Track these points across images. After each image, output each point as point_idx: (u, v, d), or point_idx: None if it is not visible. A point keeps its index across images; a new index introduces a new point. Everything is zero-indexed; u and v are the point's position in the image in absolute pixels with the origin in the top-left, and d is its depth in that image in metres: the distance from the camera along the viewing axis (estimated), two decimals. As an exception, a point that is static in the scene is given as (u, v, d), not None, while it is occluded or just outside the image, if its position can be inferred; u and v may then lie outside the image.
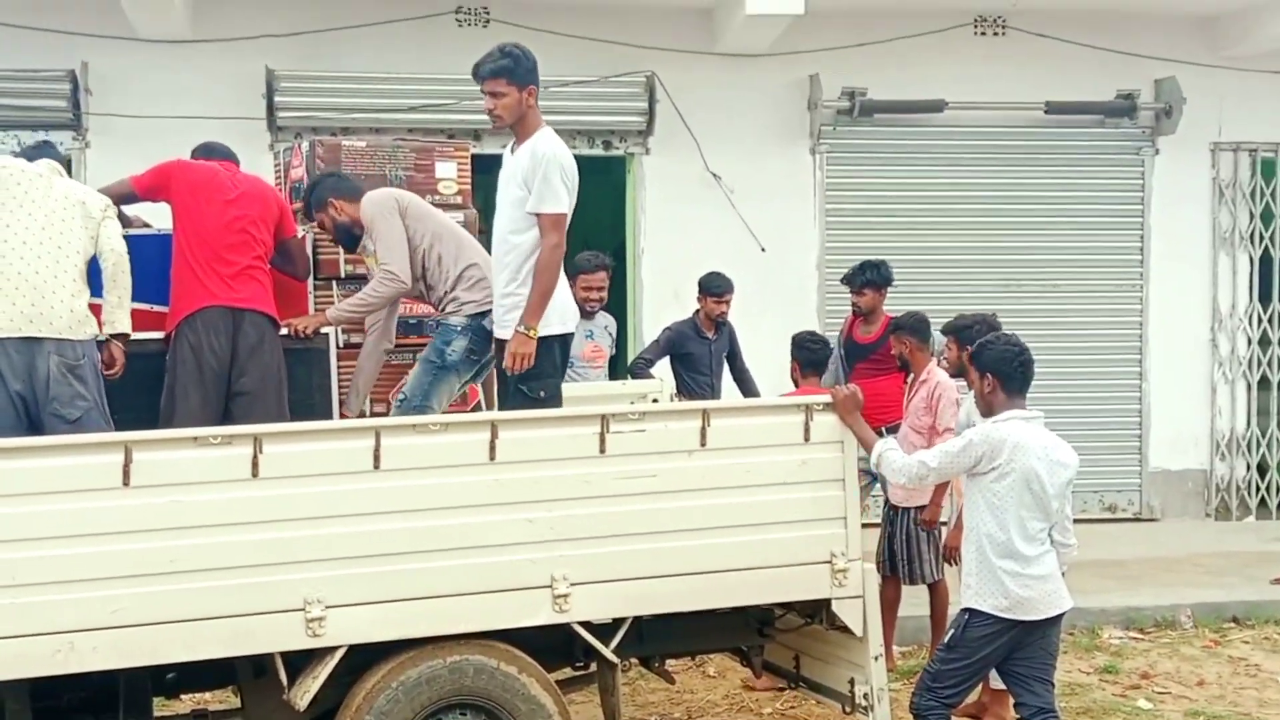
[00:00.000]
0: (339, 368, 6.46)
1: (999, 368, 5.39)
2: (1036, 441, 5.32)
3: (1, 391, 5.41)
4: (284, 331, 6.19)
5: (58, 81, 9.66)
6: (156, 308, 6.09)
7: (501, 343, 5.97)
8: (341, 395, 6.46)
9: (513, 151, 5.97)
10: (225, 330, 5.92)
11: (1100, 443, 11.35)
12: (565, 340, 5.99)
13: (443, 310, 6.42)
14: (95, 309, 5.70)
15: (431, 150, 6.88)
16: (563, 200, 5.82)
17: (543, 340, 5.85)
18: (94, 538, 4.64)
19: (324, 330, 6.35)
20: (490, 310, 6.23)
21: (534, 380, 5.88)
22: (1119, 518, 11.45)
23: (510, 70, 5.78)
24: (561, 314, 5.97)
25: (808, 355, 7.36)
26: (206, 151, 6.56)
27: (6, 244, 5.49)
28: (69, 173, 8.07)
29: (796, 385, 7.42)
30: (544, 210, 5.80)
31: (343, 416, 6.37)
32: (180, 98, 9.67)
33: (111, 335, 5.75)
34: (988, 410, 5.46)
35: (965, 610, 5.38)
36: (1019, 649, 5.33)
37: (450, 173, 6.87)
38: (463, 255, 6.42)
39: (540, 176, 5.78)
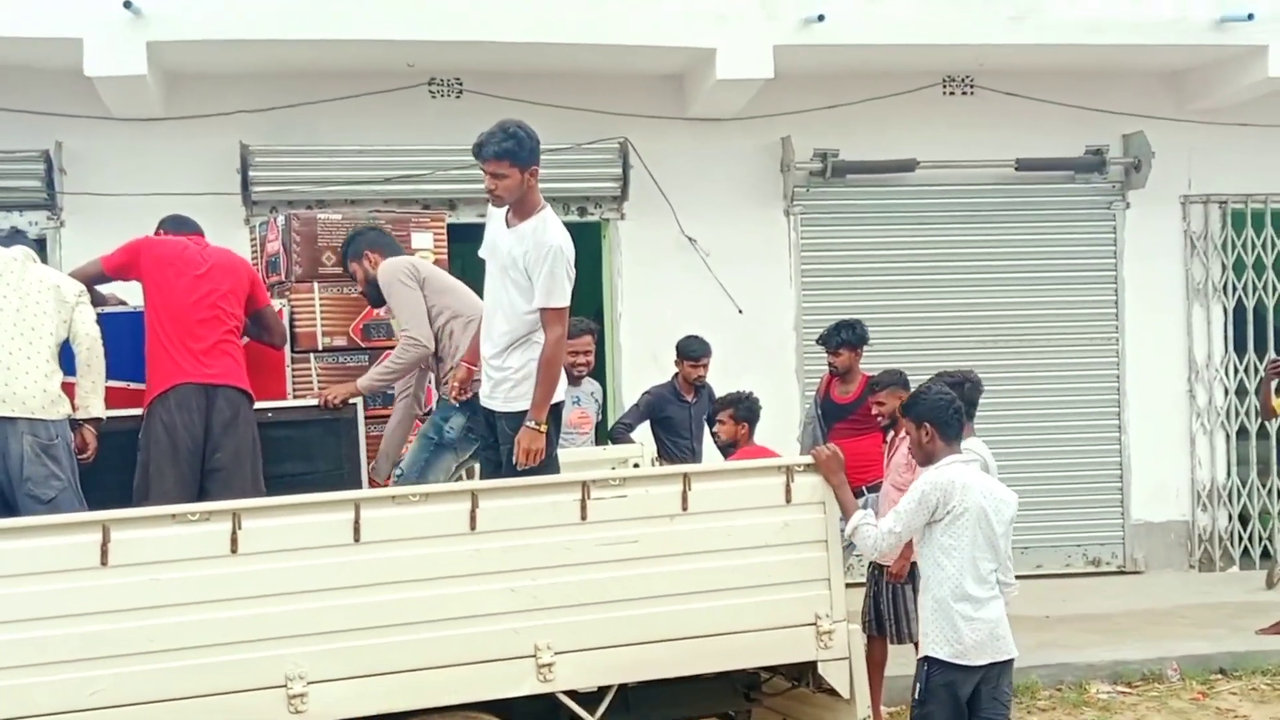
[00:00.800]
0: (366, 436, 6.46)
1: (935, 416, 5.47)
2: (978, 481, 5.44)
3: None
4: (258, 404, 6.16)
5: (32, 162, 9.66)
6: (133, 385, 6.07)
7: (490, 412, 5.94)
8: (370, 464, 6.45)
9: (508, 225, 5.86)
10: (199, 407, 5.88)
11: (1082, 496, 11.38)
12: (557, 409, 5.95)
13: (444, 384, 6.39)
14: (69, 388, 5.68)
15: (408, 221, 6.91)
16: (567, 293, 5.77)
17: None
18: (72, 618, 4.60)
19: (352, 400, 6.33)
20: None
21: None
22: (1103, 571, 11.43)
23: (513, 153, 5.69)
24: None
25: (746, 412, 7.38)
26: (175, 224, 6.53)
27: None
28: (44, 251, 8.12)
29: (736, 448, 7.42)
30: (550, 305, 5.72)
31: (371, 483, 6.35)
32: (155, 175, 9.68)
33: (84, 420, 5.74)
34: (927, 459, 5.53)
35: (923, 660, 5.42)
36: (974, 698, 5.37)
37: (427, 243, 6.89)
38: (471, 332, 6.36)
39: (546, 271, 5.68)
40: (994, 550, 5.40)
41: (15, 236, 6.35)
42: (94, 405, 5.75)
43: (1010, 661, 5.47)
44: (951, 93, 11.22)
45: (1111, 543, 11.51)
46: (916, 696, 5.45)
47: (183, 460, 5.86)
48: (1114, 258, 11.50)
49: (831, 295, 10.84)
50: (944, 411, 5.48)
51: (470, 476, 6.62)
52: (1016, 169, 11.22)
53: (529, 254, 5.70)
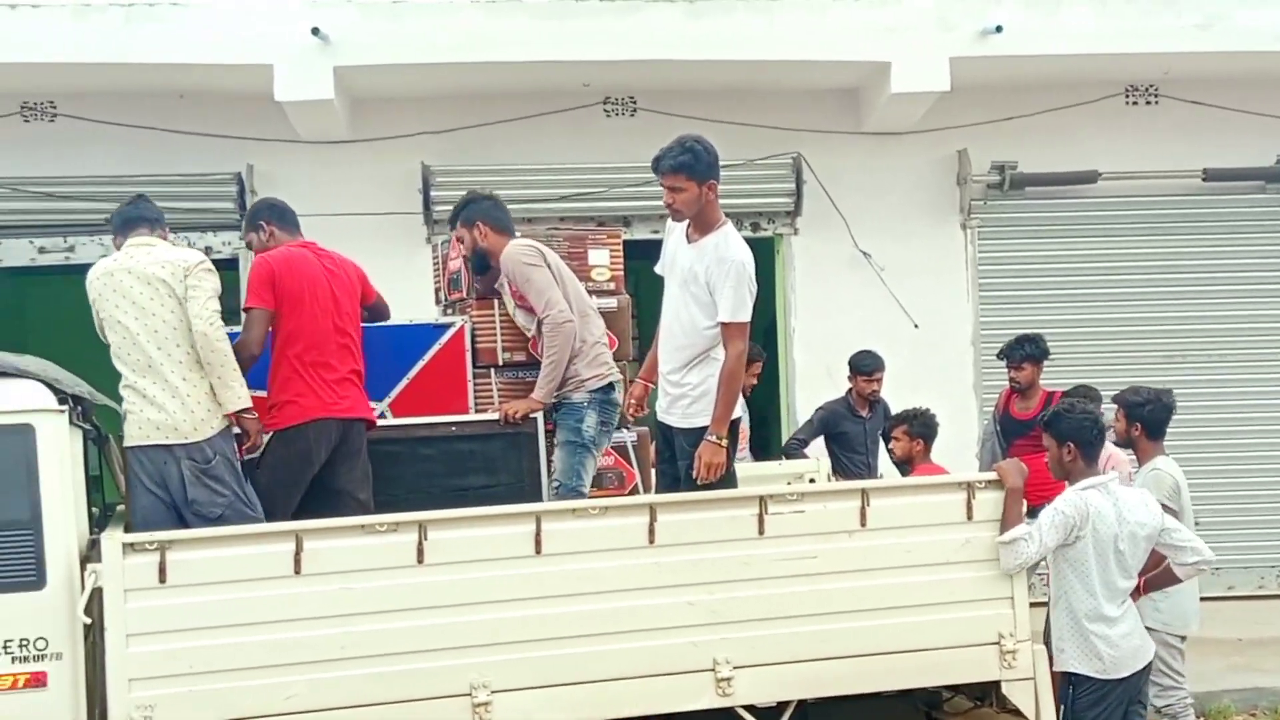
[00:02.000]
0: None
1: (1078, 435, 5.51)
2: (1112, 507, 5.46)
3: (147, 495, 5.42)
4: (494, 417, 6.28)
5: (225, 184, 10.02)
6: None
7: (666, 427, 5.99)
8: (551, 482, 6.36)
9: (689, 240, 5.90)
10: (330, 442, 5.86)
11: (1276, 515, 10.96)
12: (736, 425, 5.93)
13: (562, 389, 6.30)
14: (259, 401, 5.75)
15: (584, 238, 6.97)
16: (749, 308, 5.78)
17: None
18: (269, 625, 4.76)
19: (532, 415, 6.37)
20: (612, 383, 6.29)
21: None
22: (1299, 593, 11.00)
23: (690, 166, 5.70)
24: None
25: (922, 429, 7.33)
26: (279, 216, 6.37)
27: (121, 349, 5.49)
28: (236, 270, 8.30)
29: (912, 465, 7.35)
30: (734, 320, 5.73)
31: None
32: (340, 195, 9.96)
33: (234, 412, 5.63)
34: (1066, 477, 5.57)
35: (1065, 679, 5.46)
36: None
37: (603, 259, 6.95)
38: (587, 329, 6.37)
39: (730, 285, 5.70)
40: (1127, 570, 5.47)
41: (138, 204, 6.07)
42: (229, 400, 5.55)
43: (1149, 665, 5.55)
44: (1135, 102, 10.94)
45: (1307, 563, 11.07)
46: (1066, 713, 5.45)
47: (303, 488, 5.85)
48: (1307, 270, 11.09)
49: (1010, 309, 10.66)
50: (1087, 432, 5.53)
51: (646, 489, 6.65)
52: (1204, 179, 10.89)
53: (710, 269, 5.72)
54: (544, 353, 6.24)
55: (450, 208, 9.93)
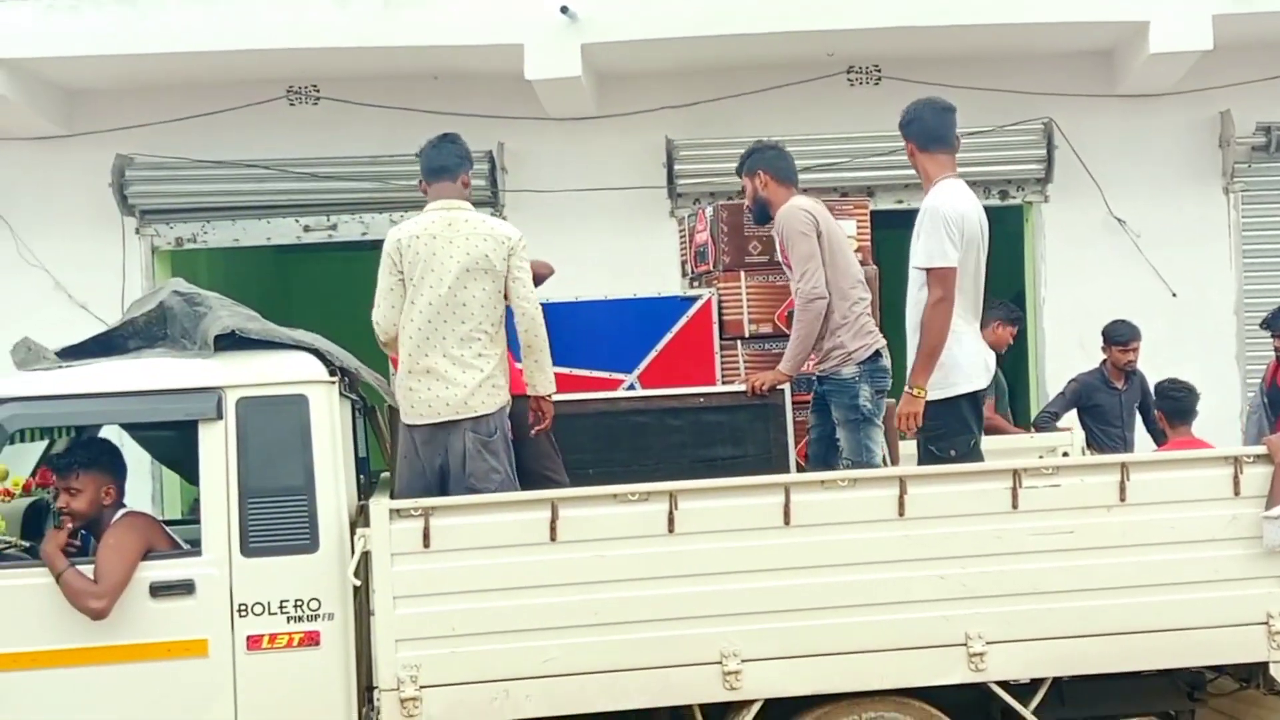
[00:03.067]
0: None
1: None
2: None
3: (420, 467, 5.51)
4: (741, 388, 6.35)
5: (478, 161, 10.27)
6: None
7: None
8: (798, 451, 6.45)
9: None
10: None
11: None
12: (975, 397, 5.86)
13: (830, 364, 6.21)
14: (516, 372, 5.91)
15: (831, 209, 6.92)
16: (939, 254, 5.70)
17: (948, 400, 5.78)
18: (525, 590, 4.91)
19: (779, 387, 6.38)
20: (879, 350, 6.19)
21: (940, 440, 5.81)
22: None
23: (904, 126, 6.04)
24: (968, 372, 5.84)
25: (1172, 405, 6.97)
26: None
27: (413, 323, 5.50)
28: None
29: (1165, 437, 7.07)
30: (919, 264, 5.77)
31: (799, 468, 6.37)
32: (587, 171, 10.14)
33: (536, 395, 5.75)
34: None
35: None
36: None
37: (850, 230, 6.88)
38: (853, 296, 6.25)
39: (923, 230, 5.77)
40: None
41: (442, 148, 5.89)
42: (541, 384, 5.64)
43: None
44: None
45: None
46: None
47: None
48: None
49: (1277, 277, 10.18)
50: None
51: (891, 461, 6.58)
52: None
53: (917, 221, 5.85)
54: (793, 325, 6.23)
55: (694, 180, 10.12)
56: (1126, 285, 10.06)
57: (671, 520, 5.01)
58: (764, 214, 6.49)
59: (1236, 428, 9.65)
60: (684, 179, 10.14)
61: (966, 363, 5.85)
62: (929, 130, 5.99)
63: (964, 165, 9.81)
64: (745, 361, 6.69)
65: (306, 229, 10.33)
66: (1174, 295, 10.10)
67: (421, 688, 4.83)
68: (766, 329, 6.75)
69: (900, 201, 10.25)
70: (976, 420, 5.93)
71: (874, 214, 7.48)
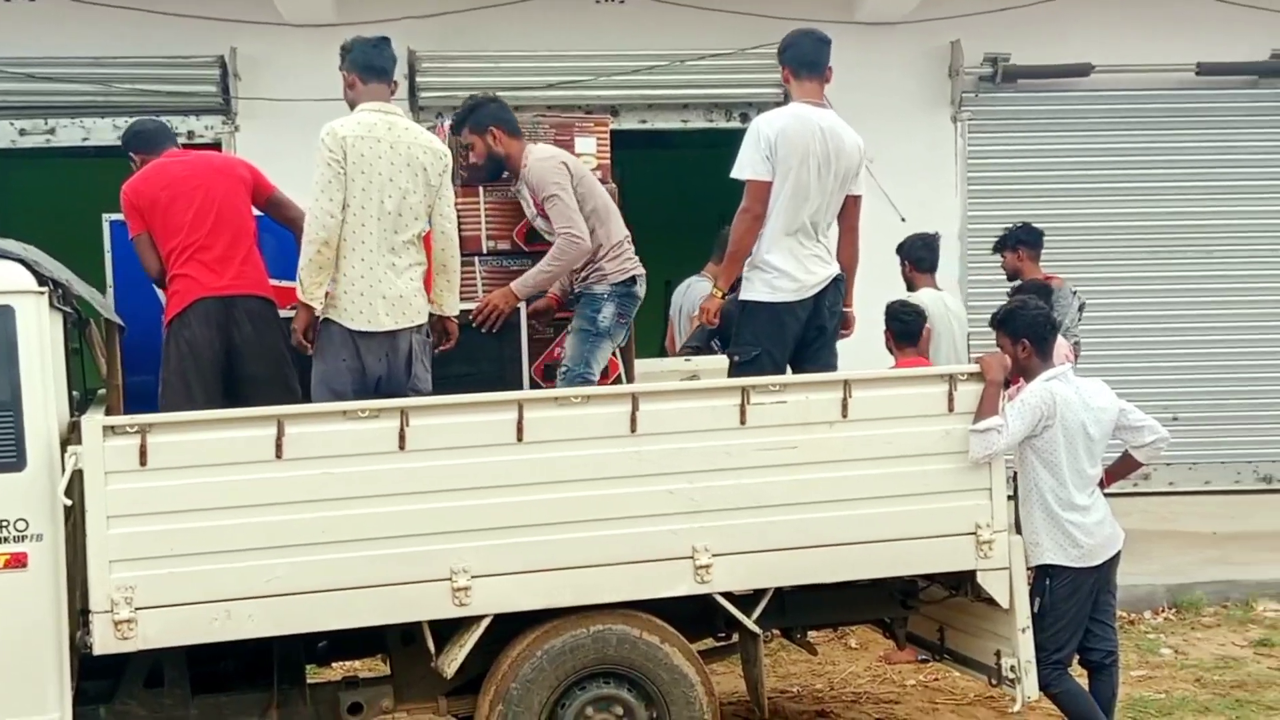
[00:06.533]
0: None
1: (1032, 333, 5.61)
2: (1076, 395, 5.57)
3: (360, 371, 5.51)
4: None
5: (208, 67, 9.90)
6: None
7: None
8: (532, 369, 6.46)
9: None
10: (218, 321, 5.74)
11: (1255, 412, 11.07)
12: (778, 309, 5.95)
13: (584, 281, 6.39)
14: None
15: (571, 126, 6.89)
16: (747, 168, 5.90)
17: (748, 305, 5.96)
18: (250, 508, 4.78)
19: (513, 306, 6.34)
20: (635, 277, 6.34)
21: (736, 345, 6.04)
22: (1274, 488, 11.11)
23: (781, 53, 6.16)
24: (771, 284, 5.95)
25: (900, 326, 7.22)
26: (145, 143, 6.23)
27: (365, 228, 5.48)
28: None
29: (893, 356, 7.33)
30: (732, 174, 5.97)
31: (534, 385, 6.37)
32: (326, 81, 9.78)
33: (442, 316, 5.87)
34: (1026, 374, 5.64)
35: (1042, 571, 5.56)
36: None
37: (590, 148, 6.87)
38: (613, 232, 6.40)
39: (742, 144, 5.95)
40: (1094, 456, 5.58)
41: (383, 50, 5.88)
42: (450, 305, 5.86)
43: (1119, 553, 5.66)
44: (1130, -8, 10.82)
45: (1285, 460, 11.17)
46: (1042, 605, 5.52)
47: (206, 375, 5.75)
48: (1297, 166, 11.05)
49: (999, 204, 10.62)
50: (1040, 328, 5.63)
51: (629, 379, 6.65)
52: (1197, 73, 10.83)
53: None
54: (549, 258, 6.23)
55: (437, 94, 9.94)
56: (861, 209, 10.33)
57: (403, 437, 4.94)
58: (497, 170, 6.46)
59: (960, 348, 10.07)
60: (427, 92, 9.98)
61: (771, 275, 5.96)
62: (802, 57, 6.11)
63: (704, 88, 10.07)
64: (483, 279, 6.61)
65: (22, 133, 9.82)
66: (903, 220, 10.42)
67: (137, 609, 4.65)
68: (504, 245, 6.68)
69: (644, 122, 10.31)
70: (776, 335, 5.97)
71: (617, 133, 7.47)
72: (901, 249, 8.11)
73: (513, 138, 6.38)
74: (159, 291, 6.01)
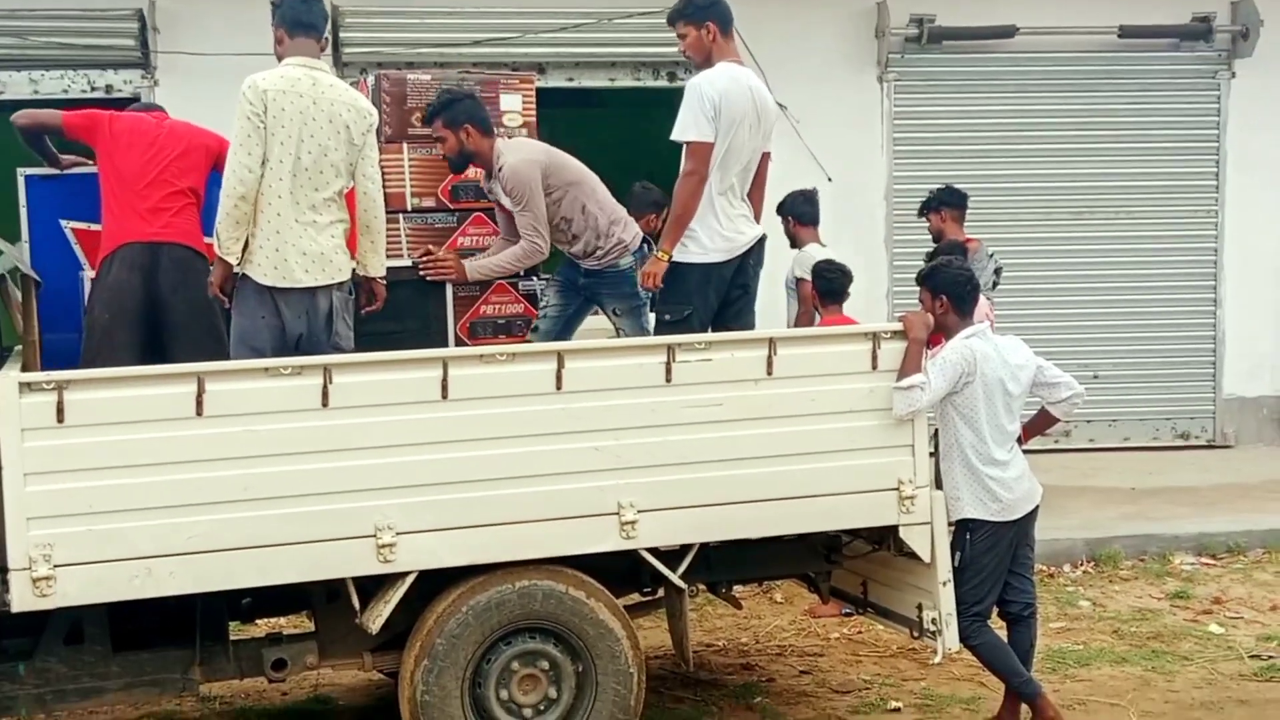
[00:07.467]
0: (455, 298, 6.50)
1: (952, 290, 5.67)
2: (995, 351, 5.64)
3: (279, 329, 5.48)
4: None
5: (125, 20, 9.72)
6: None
7: None
8: (458, 327, 6.51)
9: None
10: (142, 265, 5.79)
11: (1173, 370, 11.26)
12: (709, 269, 6.01)
13: (607, 257, 6.51)
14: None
15: (496, 83, 6.84)
16: (692, 129, 5.88)
17: (679, 266, 5.96)
18: (169, 466, 4.73)
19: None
20: (645, 239, 6.60)
21: (662, 302, 6.06)
22: (1192, 445, 11.33)
23: (683, 12, 6.08)
24: (702, 244, 5.99)
25: (826, 284, 7.28)
26: (141, 108, 6.55)
27: (281, 183, 5.41)
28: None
29: (818, 315, 7.38)
30: (673, 136, 5.95)
31: (458, 342, 6.42)
32: (247, 35, 9.64)
33: (367, 276, 5.83)
34: (944, 331, 5.71)
35: (962, 526, 5.63)
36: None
37: (515, 105, 6.83)
38: (604, 200, 6.54)
39: (683, 105, 5.91)
40: (1013, 412, 5.65)
41: (313, 4, 5.83)
42: (374, 266, 5.81)
43: (1037, 507, 5.73)
44: (1054, -45, 10.90)
45: (1202, 417, 11.39)
46: (962, 559, 5.59)
47: (130, 320, 5.79)
48: (1217, 129, 11.24)
49: (925, 164, 10.69)
50: (961, 286, 5.70)
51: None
52: (1119, 36, 10.94)
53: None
54: (511, 255, 6.37)
55: (360, 49, 9.83)
56: (786, 169, 10.30)
57: (325, 395, 4.89)
58: (463, 164, 6.45)
59: (884, 307, 10.18)
60: (350, 47, 9.89)
61: (704, 235, 6.00)
62: (727, 14, 6.10)
63: (629, 45, 10.04)
64: (407, 235, 6.58)
65: (-65, 85, 9.57)
66: (830, 180, 10.46)
67: (56, 566, 4.59)
68: (429, 202, 6.65)
69: (571, 80, 10.26)
70: (704, 295, 6.04)
71: (544, 91, 7.43)
72: (783, 207, 8.18)
73: (485, 136, 6.38)
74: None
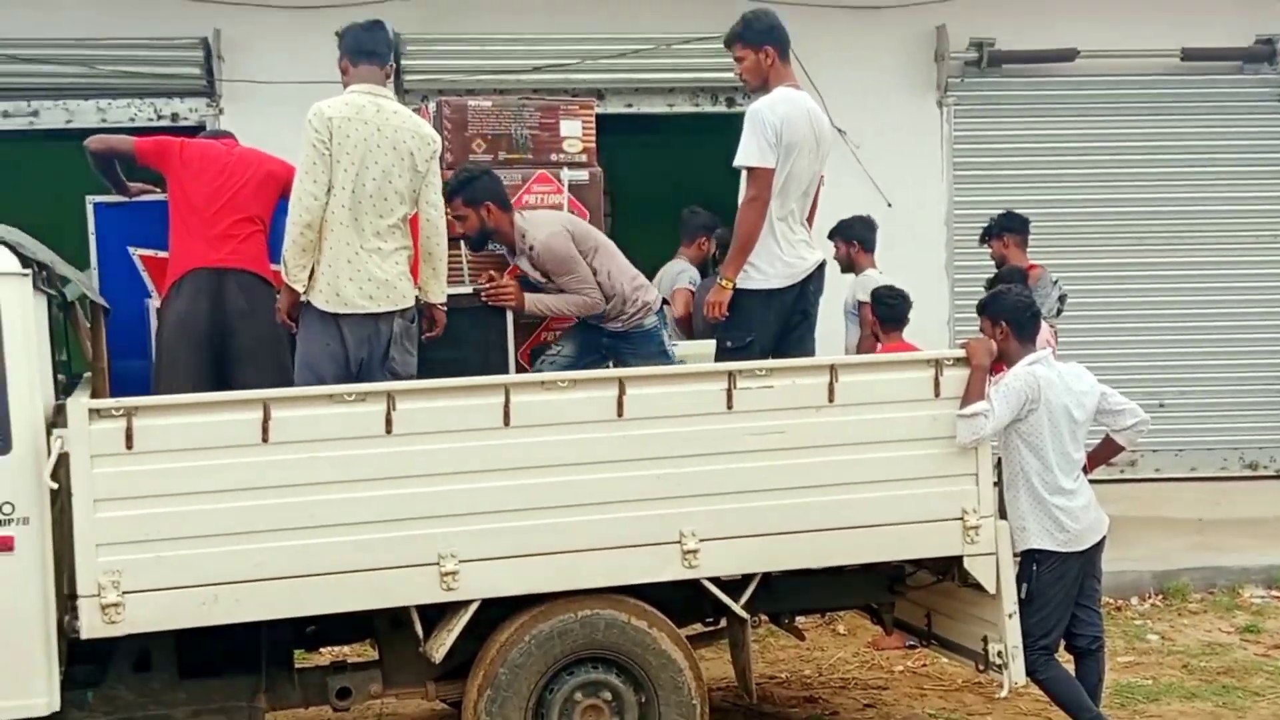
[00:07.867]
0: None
1: (1012, 316, 5.66)
2: (1058, 378, 5.60)
3: (343, 357, 5.52)
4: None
5: (191, 49, 9.82)
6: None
7: None
8: (519, 354, 6.52)
9: None
10: (209, 291, 5.85)
11: (1241, 398, 11.07)
12: (770, 296, 6.00)
13: (634, 318, 6.54)
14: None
15: (556, 109, 6.87)
16: (755, 155, 5.88)
17: (743, 293, 5.95)
18: (236, 492, 4.76)
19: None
20: (664, 298, 6.67)
21: (724, 329, 6.05)
22: (1260, 475, 11.13)
23: (741, 35, 6.09)
24: (763, 270, 5.99)
25: (886, 311, 7.25)
26: (211, 135, 6.67)
27: (345, 209, 5.45)
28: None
29: (879, 341, 7.34)
30: (736, 162, 5.96)
31: (519, 369, 6.45)
32: (310, 62, 9.76)
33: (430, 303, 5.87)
34: (1005, 358, 5.68)
35: (1028, 556, 5.57)
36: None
37: (575, 131, 6.85)
38: (621, 263, 6.57)
39: (745, 131, 5.92)
40: (1078, 440, 5.60)
41: (375, 32, 5.91)
42: (435, 292, 5.84)
43: (1104, 538, 5.69)
44: (1115, -21, 10.81)
45: (1271, 447, 11.17)
46: (1029, 591, 5.53)
47: (195, 345, 5.84)
48: (1282, 153, 11.07)
49: (985, 189, 10.61)
50: (1021, 313, 5.67)
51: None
52: (1182, 59, 10.82)
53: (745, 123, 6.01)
54: (565, 300, 6.41)
55: (421, 77, 9.88)
56: (845, 194, 10.31)
57: (389, 421, 4.93)
58: (483, 240, 6.48)
59: (946, 334, 10.11)
60: (411, 75, 9.92)
61: (764, 262, 6.00)
62: (786, 38, 6.15)
63: (683, 71, 10.04)
64: (468, 262, 6.62)
65: (5, 115, 9.71)
66: (889, 205, 10.43)
67: (124, 593, 4.64)
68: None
69: (630, 105, 10.27)
70: (766, 321, 6.03)
71: (603, 118, 7.45)
72: (842, 231, 8.12)
73: (504, 212, 6.41)
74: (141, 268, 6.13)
